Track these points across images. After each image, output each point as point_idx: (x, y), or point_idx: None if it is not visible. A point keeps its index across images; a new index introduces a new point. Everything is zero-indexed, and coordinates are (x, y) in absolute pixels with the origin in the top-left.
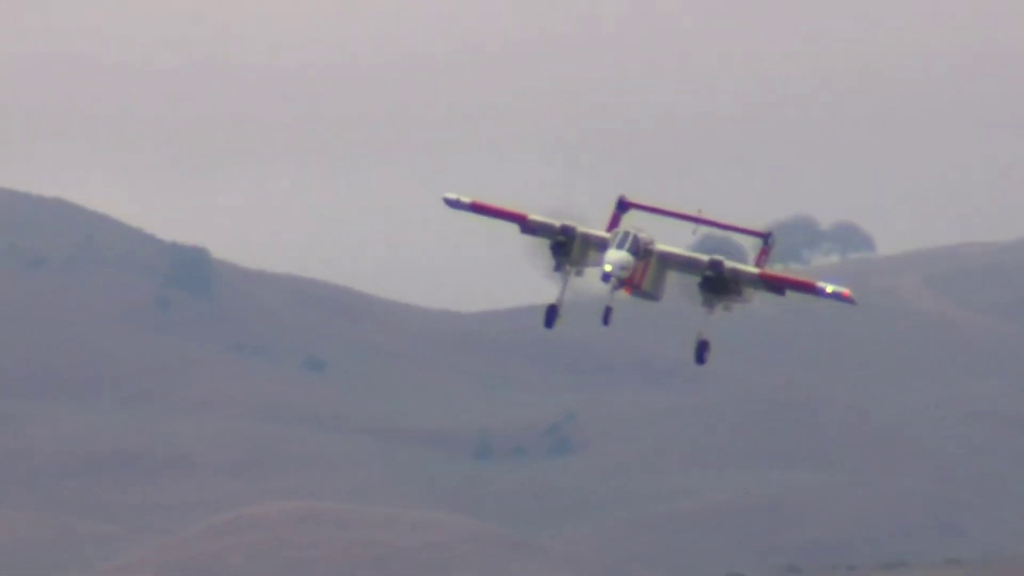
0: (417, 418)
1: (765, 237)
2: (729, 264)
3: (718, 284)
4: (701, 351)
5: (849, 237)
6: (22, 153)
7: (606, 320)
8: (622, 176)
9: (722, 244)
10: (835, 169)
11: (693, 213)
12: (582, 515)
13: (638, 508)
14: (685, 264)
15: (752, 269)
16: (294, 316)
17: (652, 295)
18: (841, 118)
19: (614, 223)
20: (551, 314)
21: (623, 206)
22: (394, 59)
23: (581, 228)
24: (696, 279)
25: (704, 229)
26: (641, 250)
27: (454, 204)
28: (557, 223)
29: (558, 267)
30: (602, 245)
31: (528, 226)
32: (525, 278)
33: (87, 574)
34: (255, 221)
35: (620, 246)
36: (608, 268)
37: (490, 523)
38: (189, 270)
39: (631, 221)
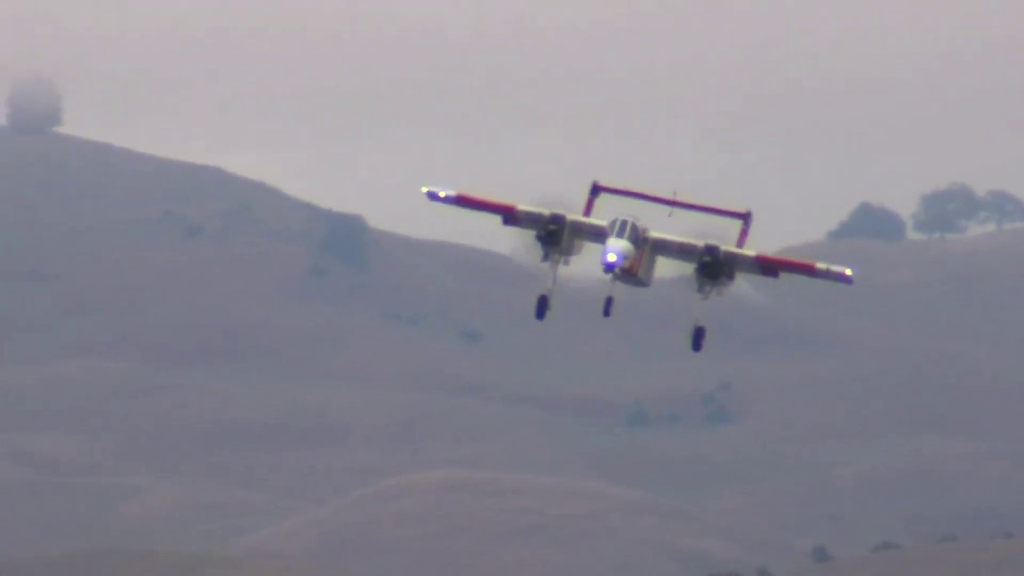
0: (572, 386)
1: (744, 217)
2: (725, 248)
3: (714, 269)
4: (698, 338)
5: (1004, 205)
6: (179, 121)
7: (607, 311)
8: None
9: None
10: (991, 136)
11: (668, 196)
12: (736, 484)
13: (793, 477)
14: (680, 250)
15: (748, 252)
16: (450, 285)
17: (644, 282)
18: (999, 81)
19: (588, 209)
20: (542, 305)
21: (596, 191)
22: (551, 25)
23: (571, 216)
24: (691, 265)
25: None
26: (639, 238)
27: (435, 197)
28: (547, 212)
29: (546, 257)
30: (595, 233)
31: (513, 218)
32: None
33: (241, 543)
34: (410, 188)
35: (620, 234)
36: (612, 258)
37: (644, 491)
38: (345, 238)
39: (627, 209)
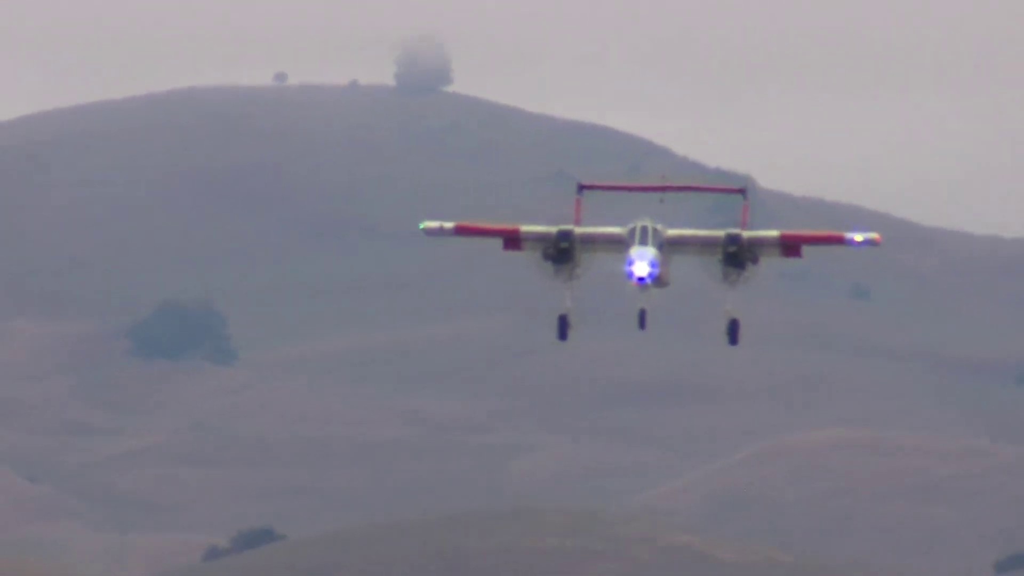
0: (959, 345)
1: (742, 192)
2: (747, 234)
3: (739, 257)
4: (733, 331)
5: None
6: (568, 82)
7: (643, 324)
8: None
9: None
10: None
11: (656, 183)
12: None
13: None
14: (701, 244)
15: (772, 233)
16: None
17: (666, 284)
18: None
19: (577, 210)
20: (563, 325)
21: (581, 190)
22: None
23: (579, 230)
24: (716, 257)
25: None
26: (661, 241)
27: (436, 232)
28: (553, 229)
29: (557, 274)
30: (609, 241)
31: (516, 240)
32: None
33: (631, 502)
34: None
35: (643, 242)
36: (644, 270)
37: None
38: (736, 198)
39: (646, 212)
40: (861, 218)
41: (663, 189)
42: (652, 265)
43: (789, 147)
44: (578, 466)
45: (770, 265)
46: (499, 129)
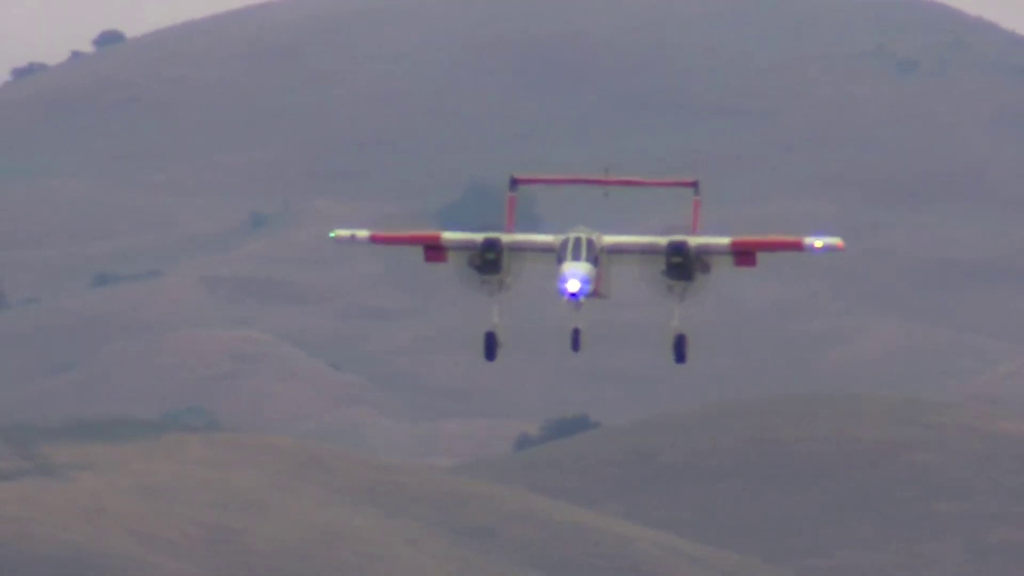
0: None
1: (693, 185)
2: (694, 241)
3: (686, 267)
4: (680, 348)
5: None
6: None
7: (576, 345)
8: None
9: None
10: None
11: (598, 176)
12: None
13: None
14: (641, 252)
15: (721, 240)
16: None
17: (605, 296)
18: None
19: (511, 207)
20: (491, 344)
21: (514, 184)
22: None
23: (507, 237)
24: (659, 267)
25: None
26: (596, 252)
27: (347, 241)
28: (478, 237)
29: (484, 285)
30: (540, 250)
31: (437, 249)
32: None
33: (955, 388)
34: None
35: (576, 256)
36: (575, 287)
37: None
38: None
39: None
40: None
41: (605, 183)
42: (584, 282)
43: None
44: (898, 352)
45: None
46: (818, 3)
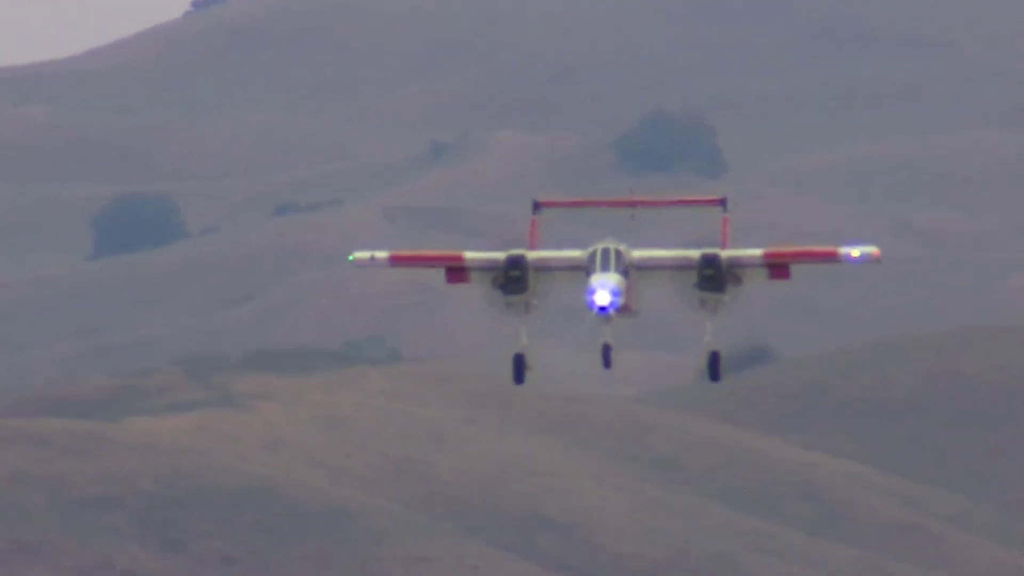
0: None
1: (721, 203)
2: (726, 254)
3: (717, 280)
4: (714, 365)
5: None
6: None
7: (607, 362)
8: None
9: None
10: None
11: (623, 198)
12: None
13: None
14: (673, 267)
15: (754, 252)
16: None
17: (635, 313)
18: None
19: (533, 231)
20: (519, 367)
21: (537, 208)
22: None
23: (532, 254)
24: (691, 280)
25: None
26: (626, 266)
27: (367, 264)
28: (501, 255)
29: (510, 306)
30: (567, 267)
31: (460, 270)
32: None
33: None
34: None
35: (606, 267)
36: (606, 300)
37: None
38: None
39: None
40: None
41: (632, 204)
42: (614, 293)
43: None
44: None
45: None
46: None
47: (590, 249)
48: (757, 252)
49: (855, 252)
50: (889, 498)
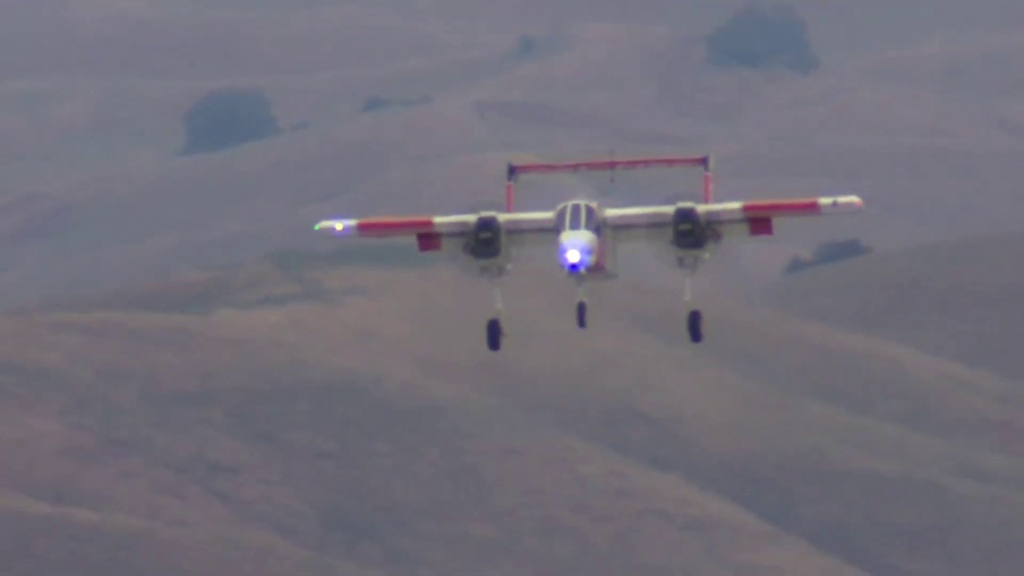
0: None
1: (703, 162)
2: (702, 208)
3: (695, 235)
4: (695, 324)
5: None
6: None
7: (582, 321)
8: None
9: None
10: None
11: (602, 158)
12: None
13: None
14: (647, 223)
15: (733, 205)
16: None
17: (612, 274)
18: None
19: (509, 195)
20: (494, 332)
21: (513, 172)
22: None
23: (503, 216)
24: (666, 237)
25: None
26: (598, 223)
27: (335, 234)
28: (471, 218)
29: (483, 271)
30: (538, 229)
31: (431, 236)
32: None
33: None
34: None
35: (576, 224)
36: (576, 257)
37: None
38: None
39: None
40: None
41: (611, 165)
42: (584, 252)
43: None
44: None
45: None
46: None
47: (559, 207)
48: (736, 205)
49: (833, 201)
50: (980, 394)
